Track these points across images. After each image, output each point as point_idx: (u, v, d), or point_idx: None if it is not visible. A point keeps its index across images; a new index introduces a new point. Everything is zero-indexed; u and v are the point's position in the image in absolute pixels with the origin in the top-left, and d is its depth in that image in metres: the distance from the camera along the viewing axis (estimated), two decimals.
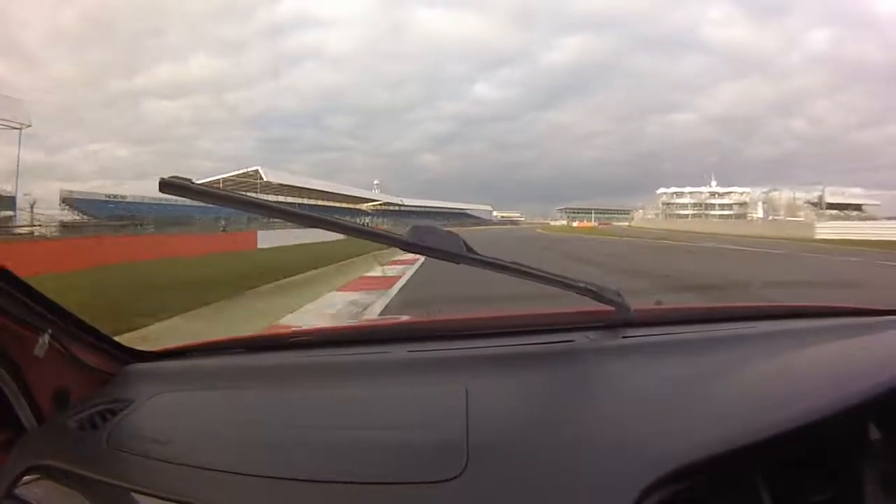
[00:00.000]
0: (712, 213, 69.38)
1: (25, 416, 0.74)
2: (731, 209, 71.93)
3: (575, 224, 73.23)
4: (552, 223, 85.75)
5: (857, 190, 64.35)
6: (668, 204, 77.29)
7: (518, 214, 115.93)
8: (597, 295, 0.91)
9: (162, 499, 0.57)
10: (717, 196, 74.18)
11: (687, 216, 66.02)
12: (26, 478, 0.64)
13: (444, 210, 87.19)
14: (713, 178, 75.21)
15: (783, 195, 67.63)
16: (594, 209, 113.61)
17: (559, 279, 0.89)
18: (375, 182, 77.07)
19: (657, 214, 72.05)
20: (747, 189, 73.95)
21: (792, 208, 61.86)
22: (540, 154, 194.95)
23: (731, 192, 74.59)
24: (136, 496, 0.58)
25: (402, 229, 0.83)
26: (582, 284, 0.90)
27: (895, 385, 0.64)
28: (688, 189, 77.32)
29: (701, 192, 75.35)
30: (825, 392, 0.67)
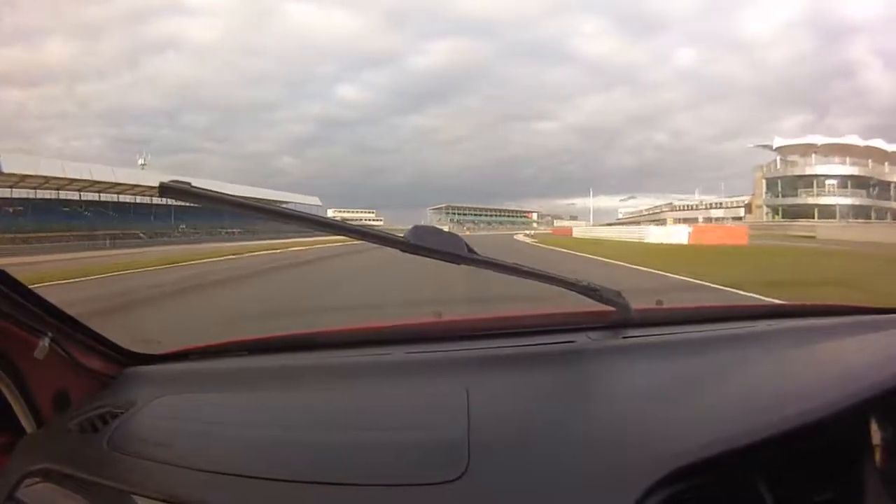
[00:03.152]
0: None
1: (26, 419, 0.74)
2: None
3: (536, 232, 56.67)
4: None
5: (713, 198, 68.44)
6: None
7: (373, 216, 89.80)
8: (598, 295, 0.91)
9: (163, 502, 0.57)
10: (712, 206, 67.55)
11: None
12: (27, 481, 0.64)
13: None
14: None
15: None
16: (486, 210, 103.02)
17: (560, 279, 0.89)
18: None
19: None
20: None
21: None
22: (403, 159, 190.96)
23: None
24: (136, 499, 0.58)
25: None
26: (583, 284, 0.91)
27: (895, 385, 0.64)
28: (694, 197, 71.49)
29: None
30: (825, 392, 0.67)
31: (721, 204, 64.61)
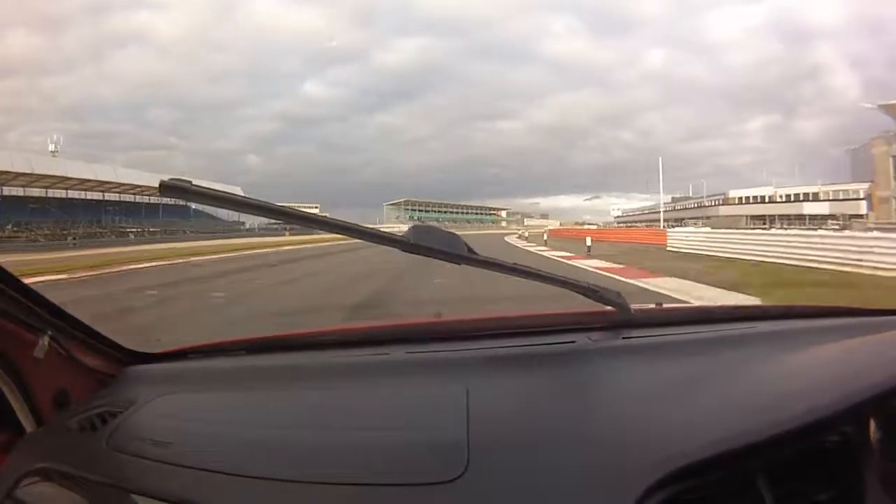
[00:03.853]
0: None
1: (25, 417, 0.74)
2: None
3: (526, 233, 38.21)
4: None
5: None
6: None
7: (317, 209, 69.54)
8: (598, 296, 0.91)
9: (162, 501, 0.57)
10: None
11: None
12: (26, 480, 0.64)
13: None
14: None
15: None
16: (450, 207, 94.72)
17: (560, 279, 0.89)
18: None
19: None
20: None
21: None
22: (369, 158, 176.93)
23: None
24: (136, 498, 0.58)
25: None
26: (583, 285, 0.91)
27: (895, 385, 0.64)
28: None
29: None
30: (825, 392, 0.67)
31: (817, 195, 46.54)
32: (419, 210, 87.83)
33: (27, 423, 0.74)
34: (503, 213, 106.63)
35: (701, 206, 59.56)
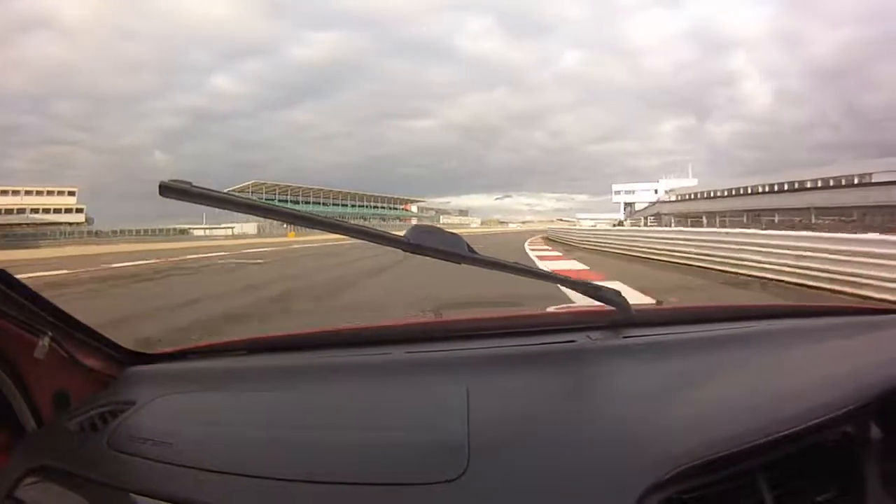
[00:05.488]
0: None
1: (25, 418, 0.74)
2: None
3: None
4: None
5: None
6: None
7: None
8: (598, 295, 0.91)
9: (162, 501, 0.57)
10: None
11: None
12: (27, 480, 0.64)
13: None
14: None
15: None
16: (335, 195, 72.63)
17: (561, 279, 0.89)
18: None
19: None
20: None
21: None
22: (277, 155, 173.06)
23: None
24: (136, 498, 0.58)
25: None
26: (583, 284, 0.91)
27: (895, 385, 0.64)
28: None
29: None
30: (826, 391, 0.67)
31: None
32: (279, 199, 61.60)
33: (27, 424, 0.74)
34: (413, 208, 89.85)
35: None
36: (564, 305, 1.08)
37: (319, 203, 71.97)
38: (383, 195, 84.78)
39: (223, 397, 0.82)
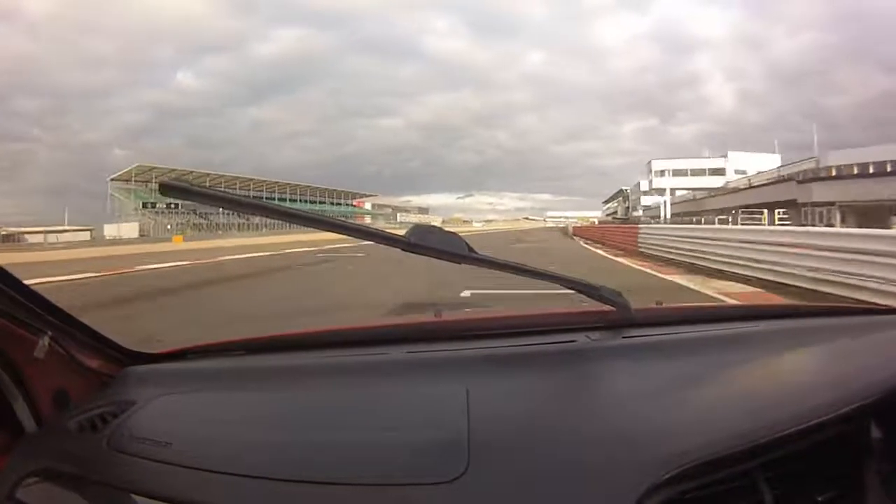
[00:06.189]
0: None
1: (25, 418, 0.74)
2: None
3: None
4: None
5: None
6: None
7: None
8: (598, 295, 0.91)
9: (163, 501, 0.57)
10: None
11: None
12: (26, 481, 0.64)
13: None
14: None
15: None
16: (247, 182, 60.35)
17: (561, 278, 0.89)
18: None
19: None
20: None
21: None
22: (240, 154, 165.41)
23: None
24: (136, 498, 0.58)
25: None
26: (583, 284, 0.91)
27: (895, 385, 0.64)
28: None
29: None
30: (826, 391, 0.67)
31: None
32: (227, 188, 47.15)
33: (27, 424, 0.74)
34: (367, 205, 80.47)
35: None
36: (564, 306, 1.08)
37: (264, 195, 62.00)
38: (332, 188, 73.50)
39: (223, 397, 0.82)
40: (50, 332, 0.74)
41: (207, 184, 42.19)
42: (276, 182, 67.26)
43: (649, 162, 55.93)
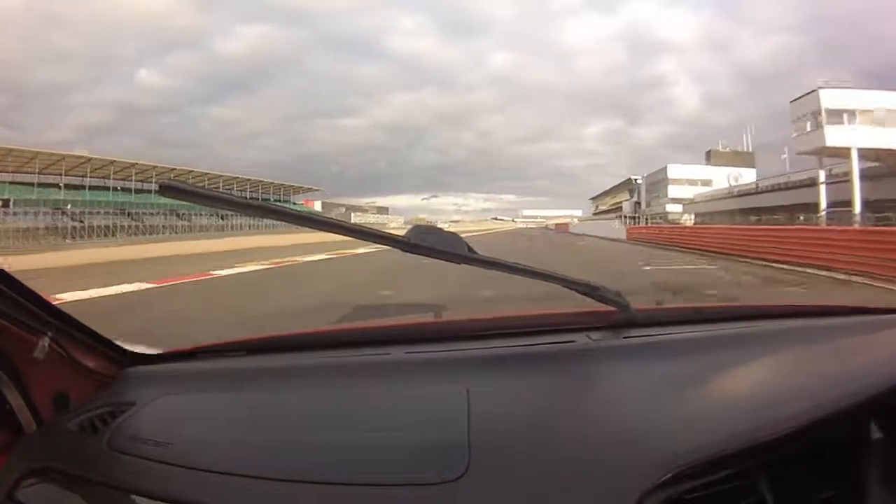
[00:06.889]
0: None
1: (25, 418, 0.74)
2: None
3: None
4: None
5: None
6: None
7: None
8: (598, 295, 0.91)
9: (163, 501, 0.57)
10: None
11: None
12: (26, 481, 0.64)
13: None
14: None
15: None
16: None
17: (561, 278, 0.89)
18: None
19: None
20: None
21: None
22: (200, 154, 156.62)
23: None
24: (136, 499, 0.58)
25: None
26: (584, 284, 0.90)
27: (895, 385, 0.64)
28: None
29: None
30: (826, 391, 0.67)
31: None
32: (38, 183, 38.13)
33: (27, 424, 0.74)
34: (316, 205, 65.60)
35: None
36: (564, 306, 1.07)
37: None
38: (274, 182, 59.57)
39: (223, 397, 0.82)
40: (50, 333, 0.74)
41: (133, 176, 40.56)
42: (207, 173, 54.31)
43: (666, 166, 45.76)
